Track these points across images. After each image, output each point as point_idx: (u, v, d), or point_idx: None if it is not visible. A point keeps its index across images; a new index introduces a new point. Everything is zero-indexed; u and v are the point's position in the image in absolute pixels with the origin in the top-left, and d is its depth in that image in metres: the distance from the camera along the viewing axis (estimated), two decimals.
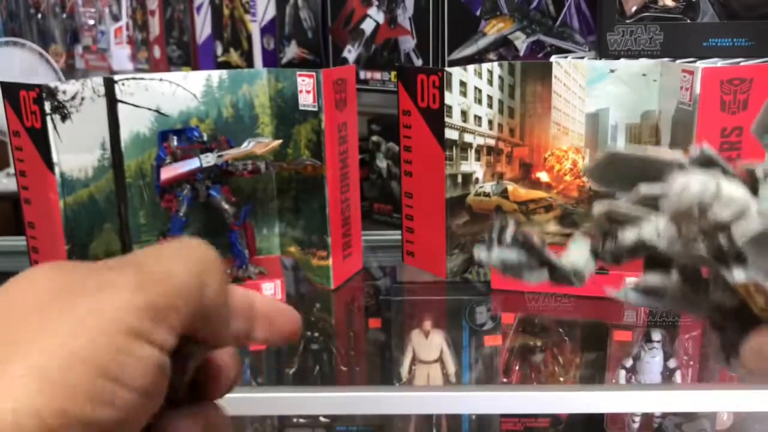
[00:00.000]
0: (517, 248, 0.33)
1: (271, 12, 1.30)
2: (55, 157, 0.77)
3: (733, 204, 0.27)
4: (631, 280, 0.33)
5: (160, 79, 0.86)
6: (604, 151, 0.32)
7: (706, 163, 0.30)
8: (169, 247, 0.25)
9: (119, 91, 0.82)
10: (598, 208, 0.32)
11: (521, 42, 1.06)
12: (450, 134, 0.84)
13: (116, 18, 1.62)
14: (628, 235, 0.31)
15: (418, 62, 1.11)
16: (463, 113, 0.85)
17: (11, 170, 1.52)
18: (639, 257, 0.32)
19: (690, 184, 0.27)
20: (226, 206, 0.86)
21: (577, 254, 0.33)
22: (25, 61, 1.32)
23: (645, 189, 0.31)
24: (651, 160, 0.31)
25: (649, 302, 0.32)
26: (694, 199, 0.27)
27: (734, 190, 0.27)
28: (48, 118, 0.76)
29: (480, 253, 0.33)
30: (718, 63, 0.82)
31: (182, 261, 0.24)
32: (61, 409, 0.20)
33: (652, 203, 0.30)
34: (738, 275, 0.28)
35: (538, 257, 0.33)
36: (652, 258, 0.31)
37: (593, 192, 0.88)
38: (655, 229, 0.30)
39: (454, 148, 0.85)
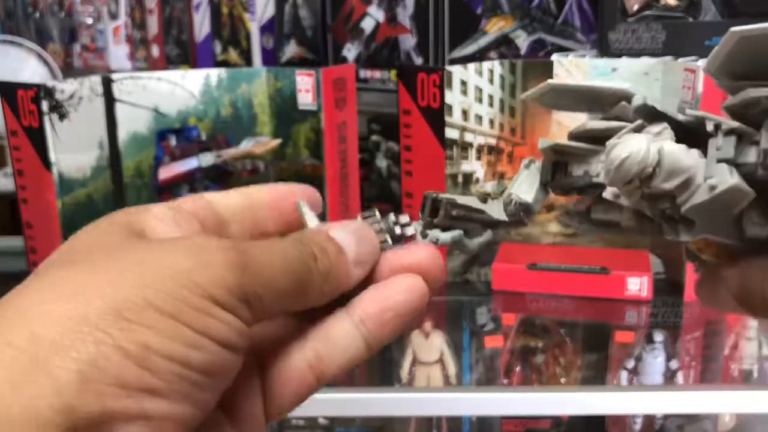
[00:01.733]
0: (453, 223, 0.31)
1: (270, 10, 1.30)
2: (52, 157, 0.76)
3: (676, 173, 0.25)
4: (580, 208, 0.31)
5: (159, 78, 0.85)
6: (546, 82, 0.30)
7: (649, 115, 0.28)
8: (277, 245, 0.25)
9: (117, 90, 0.82)
10: (544, 142, 0.30)
11: (522, 40, 1.05)
12: (450, 133, 0.84)
13: (114, 17, 1.62)
14: (577, 170, 0.30)
15: (419, 61, 1.10)
16: (464, 112, 0.85)
17: (9, 170, 1.51)
18: (589, 195, 0.31)
19: (630, 154, 0.25)
20: None
21: (525, 187, 0.32)
22: (23, 60, 1.32)
23: (591, 125, 0.29)
24: (595, 91, 0.29)
25: (600, 232, 0.31)
26: (634, 171, 0.25)
27: (678, 156, 0.25)
28: (46, 117, 0.75)
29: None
30: None
31: (285, 262, 0.24)
32: (142, 341, 0.20)
33: (601, 136, 0.28)
34: (684, 236, 0.26)
35: (480, 222, 0.32)
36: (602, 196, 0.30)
37: None
38: (601, 169, 0.29)
39: (454, 147, 0.85)
